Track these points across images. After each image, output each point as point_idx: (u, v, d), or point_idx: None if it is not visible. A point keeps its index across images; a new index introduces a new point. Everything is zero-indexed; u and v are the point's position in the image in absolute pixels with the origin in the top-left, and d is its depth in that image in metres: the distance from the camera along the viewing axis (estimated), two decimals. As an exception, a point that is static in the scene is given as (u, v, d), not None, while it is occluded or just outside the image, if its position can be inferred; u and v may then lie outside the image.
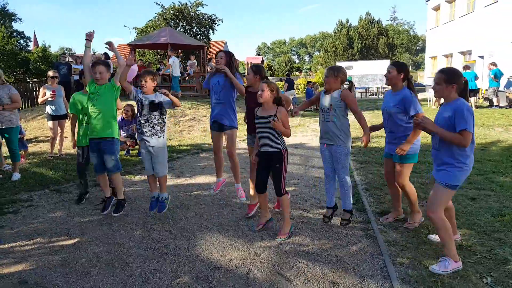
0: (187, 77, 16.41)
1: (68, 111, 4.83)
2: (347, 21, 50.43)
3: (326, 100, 3.86)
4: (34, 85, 16.66)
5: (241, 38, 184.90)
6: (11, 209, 4.67)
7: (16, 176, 5.94)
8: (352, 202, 4.00)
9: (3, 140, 5.99)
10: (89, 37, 4.28)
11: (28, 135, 9.87)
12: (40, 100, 7.64)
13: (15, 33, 31.82)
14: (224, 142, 4.64)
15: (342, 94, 3.75)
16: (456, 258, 3.02)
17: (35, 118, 11.37)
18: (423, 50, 52.31)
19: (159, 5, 26.80)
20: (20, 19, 36.93)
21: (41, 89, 7.59)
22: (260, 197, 3.94)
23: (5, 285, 2.96)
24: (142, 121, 4.18)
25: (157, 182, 4.41)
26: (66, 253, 3.49)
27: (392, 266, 3.10)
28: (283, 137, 3.73)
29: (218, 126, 4.49)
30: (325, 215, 4.09)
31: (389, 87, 3.97)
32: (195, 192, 5.32)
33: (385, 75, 3.79)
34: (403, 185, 3.78)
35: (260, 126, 3.73)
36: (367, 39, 46.60)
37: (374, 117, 13.19)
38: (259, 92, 3.67)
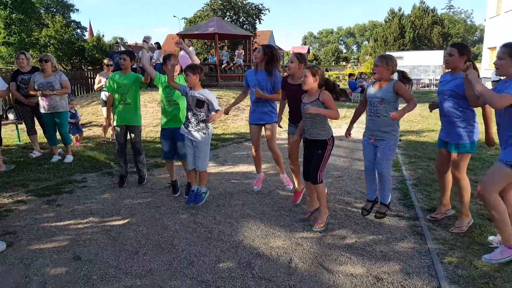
0: (232, 67, 16.55)
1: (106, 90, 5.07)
2: (400, 9, 48.29)
3: (375, 93, 3.60)
4: (89, 73, 17.62)
5: (288, 27, 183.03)
6: (67, 189, 4.99)
7: (69, 158, 6.30)
8: (390, 196, 3.81)
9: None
10: (146, 39, 4.85)
11: (82, 120, 10.45)
12: (96, 86, 8.06)
13: (72, 23, 33.59)
14: (263, 135, 4.62)
15: (394, 86, 3.48)
16: (511, 243, 2.88)
17: (90, 104, 12.00)
18: (480, 40, 48.95)
19: (207, -5, 27.16)
20: (77, 10, 38.95)
21: (97, 76, 7.99)
22: (308, 185, 3.94)
23: (61, 259, 3.17)
24: (189, 116, 4.20)
25: (197, 176, 4.38)
26: (116, 233, 3.68)
27: (440, 265, 2.96)
28: (327, 124, 3.63)
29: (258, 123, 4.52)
30: (364, 207, 3.95)
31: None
32: (238, 180, 5.38)
33: (444, 58, 3.50)
34: (459, 178, 3.49)
35: (305, 113, 3.66)
36: (420, 29, 44.32)
37: (425, 110, 12.55)
38: (302, 79, 3.59)
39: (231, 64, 16.53)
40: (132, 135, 5.05)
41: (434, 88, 23.71)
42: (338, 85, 3.78)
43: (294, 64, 4.09)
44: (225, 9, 27.09)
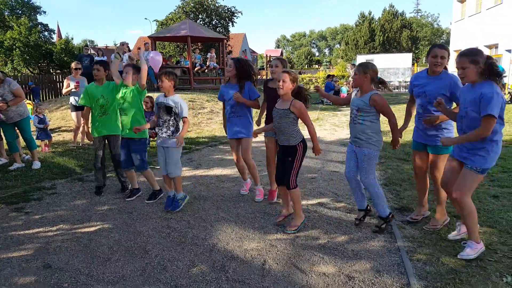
0: (206, 70, 16.51)
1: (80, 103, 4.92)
2: (370, 13, 49.53)
3: (354, 101, 3.63)
4: (57, 76, 17.10)
5: (261, 30, 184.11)
6: (36, 196, 4.83)
7: (36, 164, 6.09)
8: (386, 209, 3.68)
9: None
10: (120, 51, 4.82)
11: (51, 125, 10.14)
12: (64, 91, 7.84)
13: (39, 26, 32.54)
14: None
15: (371, 99, 3.42)
16: (478, 240, 3.09)
17: (59, 109, 11.67)
18: (447, 43, 50.93)
19: (179, -3, 26.96)
20: (44, 12, 37.84)
21: (65, 80, 7.78)
22: (280, 190, 3.96)
23: (30, 268, 3.08)
24: (160, 122, 4.21)
25: (172, 181, 4.39)
26: (87, 240, 3.60)
27: (409, 262, 3.07)
28: (296, 131, 3.66)
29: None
30: (356, 217, 3.90)
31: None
32: (212, 184, 5.38)
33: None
34: (438, 178, 3.52)
35: (277, 118, 3.70)
36: (389, 32, 45.63)
37: (396, 111, 12.84)
38: (280, 83, 3.56)
39: (204, 67, 16.48)
40: (112, 146, 4.88)
41: (404, 90, 24.47)
42: (309, 95, 3.83)
43: (279, 68, 4.14)
44: (198, 12, 26.98)
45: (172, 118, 4.18)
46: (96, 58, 13.59)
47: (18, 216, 4.19)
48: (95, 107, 4.80)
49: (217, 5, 27.37)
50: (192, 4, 26.73)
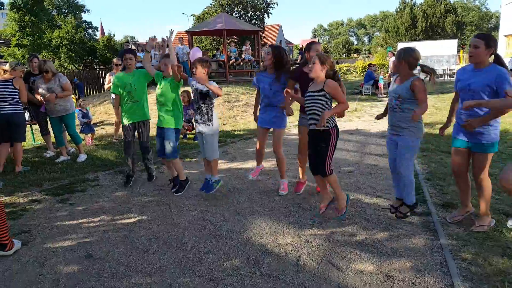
0: (241, 62, 16.53)
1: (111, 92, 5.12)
2: (411, -1, 47.31)
3: (394, 89, 3.53)
4: (100, 72, 17.81)
5: (297, 20, 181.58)
6: (80, 187, 5.06)
7: (82, 157, 6.37)
8: (414, 198, 3.67)
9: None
10: (148, 47, 4.83)
11: (95, 119, 10.57)
12: (106, 86, 8.14)
13: (83, 24, 33.95)
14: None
15: (411, 83, 3.33)
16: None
17: (102, 103, 12.14)
18: (496, 28, 47.73)
19: (215, -9, 27.09)
20: (88, 10, 39.31)
21: (107, 75, 8.07)
22: (318, 180, 3.91)
23: (73, 258, 3.23)
24: (196, 108, 4.39)
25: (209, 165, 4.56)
26: (127, 231, 3.72)
27: (453, 262, 2.92)
28: (338, 108, 3.55)
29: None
30: (392, 205, 3.85)
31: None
32: (247, 177, 5.36)
33: (469, 51, 3.23)
34: (482, 178, 3.33)
35: (308, 101, 3.63)
36: (432, 18, 43.37)
37: (439, 101, 12.37)
38: (310, 65, 3.55)
39: (240, 60, 16.50)
40: (141, 133, 5.09)
41: (448, 78, 23.27)
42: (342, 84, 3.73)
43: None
44: (233, 5, 26.97)
45: (206, 104, 4.30)
46: (137, 54, 13.99)
47: (63, 207, 4.40)
48: (124, 94, 4.97)
49: (252, -3, 27.26)
50: (228, -3, 26.79)
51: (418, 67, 3.51)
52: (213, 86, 4.20)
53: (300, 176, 4.62)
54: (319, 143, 3.62)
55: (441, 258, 2.99)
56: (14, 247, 3.31)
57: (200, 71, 4.22)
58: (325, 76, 3.56)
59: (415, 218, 3.75)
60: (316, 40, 60.72)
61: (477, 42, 3.16)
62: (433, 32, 43.41)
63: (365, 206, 4.14)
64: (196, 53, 12.95)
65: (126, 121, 5.01)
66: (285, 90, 3.90)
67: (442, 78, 24.20)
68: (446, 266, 2.88)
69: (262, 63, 16.16)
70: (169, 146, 4.64)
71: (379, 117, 3.97)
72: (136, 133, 5.15)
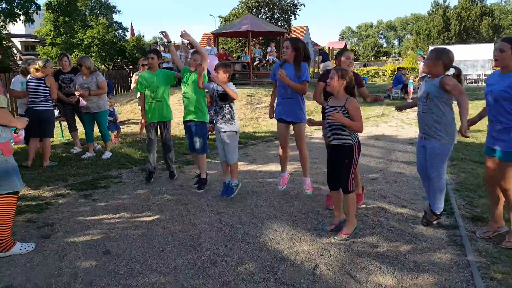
0: (266, 64, 16.49)
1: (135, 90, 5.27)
2: (444, 1, 45.91)
3: (423, 88, 3.39)
4: (129, 72, 18.20)
5: (324, 22, 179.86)
6: (103, 184, 5.15)
7: (107, 154, 6.51)
8: (442, 205, 3.53)
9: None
10: (167, 38, 5.06)
11: (121, 117, 10.80)
12: (132, 85, 8.31)
13: (114, 24, 34.90)
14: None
15: (442, 81, 3.19)
16: None
17: (129, 102, 12.39)
18: (537, 32, 45.56)
19: (242, -8, 27.18)
20: (119, 11, 40.46)
21: (133, 75, 8.23)
22: (333, 195, 3.71)
23: (92, 253, 3.27)
24: (216, 109, 4.39)
25: (229, 168, 4.55)
26: (145, 229, 3.74)
27: (481, 280, 2.74)
28: (354, 126, 3.40)
29: (285, 120, 4.42)
30: (425, 210, 3.72)
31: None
32: (266, 180, 5.32)
33: (494, 55, 3.12)
34: (505, 189, 3.14)
35: (329, 116, 3.50)
36: (467, 21, 41.86)
37: (472, 108, 11.71)
38: (328, 80, 3.43)
39: (264, 61, 16.47)
40: (163, 131, 5.17)
41: (483, 84, 22.37)
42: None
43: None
44: (260, 6, 26.94)
45: (227, 105, 4.33)
46: (164, 55, 14.22)
47: (86, 202, 4.49)
48: (147, 93, 5.07)
49: (279, -2, 27.14)
50: (254, -1, 26.79)
51: (452, 69, 3.35)
52: (229, 88, 4.17)
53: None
54: (340, 159, 3.47)
55: (467, 276, 2.83)
56: (11, 250, 3.21)
57: (222, 75, 4.25)
58: (344, 90, 3.42)
59: (441, 231, 3.58)
60: (343, 42, 59.70)
61: (503, 46, 3.04)
62: (467, 36, 41.90)
63: (388, 216, 3.99)
64: (213, 62, 13.07)
65: (149, 120, 5.11)
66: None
67: (476, 84, 23.32)
68: (473, 284, 2.71)
69: (268, 58, 16.11)
70: (198, 140, 4.75)
71: (400, 108, 3.87)
72: (158, 132, 5.21)
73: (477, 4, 43.24)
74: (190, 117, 4.77)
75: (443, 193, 3.45)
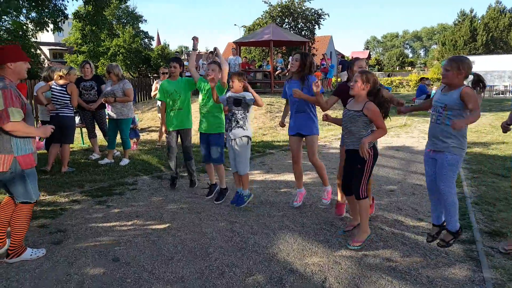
0: (287, 73, 16.50)
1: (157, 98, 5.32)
2: (471, 11, 44.94)
3: (440, 98, 3.23)
4: (152, 80, 18.57)
5: (349, 32, 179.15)
6: (118, 190, 5.22)
7: (125, 161, 6.60)
8: (457, 223, 3.29)
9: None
10: (195, 46, 5.01)
11: (142, 124, 11.01)
12: (152, 94, 8.45)
13: (140, 33, 35.80)
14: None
15: (462, 92, 3.03)
16: None
17: (150, 110, 12.62)
18: None
19: (266, 3, 27.44)
20: (145, 20, 41.51)
21: (154, 83, 8.37)
22: (349, 200, 3.70)
23: (101, 260, 3.29)
24: (229, 117, 4.37)
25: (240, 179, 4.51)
26: (156, 237, 3.75)
27: (497, 299, 2.60)
28: (378, 134, 3.37)
29: (298, 133, 4.42)
30: (429, 233, 3.48)
31: None
32: (281, 190, 5.26)
33: None
34: None
35: (346, 120, 3.47)
36: (495, 31, 40.79)
37: (497, 119, 11.52)
38: (351, 83, 3.41)
39: (286, 70, 16.49)
40: (184, 140, 5.18)
41: (510, 95, 21.63)
42: (387, 101, 3.45)
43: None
44: (284, 16, 27.10)
45: (241, 110, 4.31)
46: (186, 64, 14.45)
47: (100, 209, 4.55)
48: (168, 101, 5.10)
49: (303, 8, 27.21)
50: (278, 9, 26.97)
51: (471, 76, 3.21)
52: (257, 95, 4.20)
53: (339, 198, 4.30)
54: (354, 164, 3.44)
55: (483, 294, 2.70)
56: (22, 255, 3.23)
57: (237, 84, 4.25)
58: (368, 94, 3.37)
59: (458, 245, 3.43)
60: (367, 52, 59.20)
61: None
62: (494, 46, 40.85)
63: (404, 228, 3.87)
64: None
65: (170, 128, 5.15)
66: (324, 114, 3.82)
67: (503, 95, 22.58)
68: (489, 303, 2.58)
69: (288, 70, 16.06)
70: (216, 151, 4.73)
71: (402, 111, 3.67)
72: (179, 140, 5.25)
73: (505, 15, 42.13)
74: (207, 128, 4.74)
75: (456, 210, 3.23)
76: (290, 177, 5.87)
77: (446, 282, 2.86)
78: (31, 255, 3.28)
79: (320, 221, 4.12)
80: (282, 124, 4.78)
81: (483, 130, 9.93)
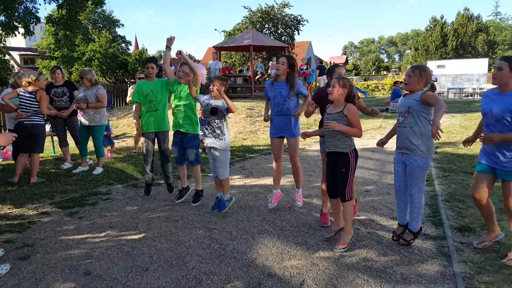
0: (267, 78, 16.57)
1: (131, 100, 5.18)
2: (442, 17, 46.54)
3: (404, 103, 3.38)
4: (130, 85, 18.30)
5: (327, 37, 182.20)
6: (91, 201, 5.04)
7: (98, 170, 6.38)
8: (420, 223, 3.45)
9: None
10: (169, 43, 4.72)
11: (117, 131, 10.79)
12: (128, 99, 8.27)
13: (117, 38, 35.18)
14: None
15: (423, 95, 3.19)
16: None
17: (126, 116, 12.39)
18: (532, 46, 45.95)
19: (246, 8, 27.55)
20: (122, 25, 40.87)
21: (129, 89, 8.19)
22: (332, 203, 3.74)
23: (72, 274, 3.13)
24: (206, 124, 4.33)
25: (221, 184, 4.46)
26: (130, 248, 3.63)
27: (466, 291, 2.66)
28: (350, 138, 3.45)
29: (280, 136, 4.44)
30: (395, 231, 3.59)
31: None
32: (261, 194, 5.23)
33: (493, 74, 3.11)
34: (510, 207, 3.08)
35: (327, 124, 3.49)
36: (463, 37, 42.39)
37: (466, 120, 11.89)
38: (329, 89, 3.46)
39: (266, 75, 16.55)
40: (162, 142, 5.05)
41: (478, 97, 22.43)
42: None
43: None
44: (264, 21, 27.23)
45: (218, 120, 4.25)
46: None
47: (71, 220, 4.37)
48: (144, 102, 4.96)
49: (283, 14, 27.45)
50: (259, 15, 27.10)
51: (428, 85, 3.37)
52: (229, 101, 4.16)
53: (323, 207, 4.20)
54: (337, 167, 3.48)
55: (452, 287, 2.77)
56: None
57: (218, 88, 4.19)
58: (345, 100, 3.45)
59: (430, 242, 3.53)
60: (345, 57, 60.14)
61: (501, 64, 3.02)
62: (463, 51, 42.43)
63: (379, 227, 3.92)
64: (202, 70, 13.17)
65: (145, 129, 5.00)
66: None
67: (472, 97, 23.39)
68: (459, 296, 2.63)
69: (270, 71, 16.19)
70: (192, 152, 4.65)
71: (382, 142, 3.72)
72: (156, 143, 5.12)
73: (473, 21, 43.86)
74: (183, 130, 4.66)
75: (421, 211, 3.40)
76: (270, 181, 5.84)
77: (420, 278, 2.91)
78: None
79: (298, 223, 4.11)
80: (266, 119, 4.69)
81: (453, 130, 10.23)
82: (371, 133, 10.32)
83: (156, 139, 5.08)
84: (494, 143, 3.04)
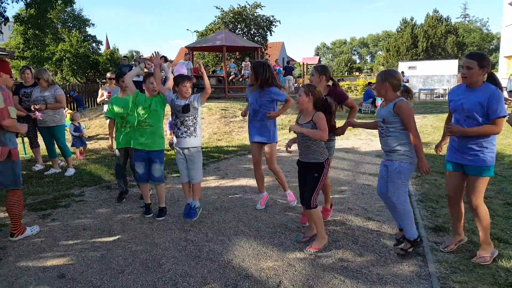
0: (241, 78, 16.58)
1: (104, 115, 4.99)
2: (412, 19, 47.95)
3: (380, 113, 3.34)
4: (101, 85, 17.87)
5: (300, 38, 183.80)
6: (64, 203, 4.92)
7: (70, 171, 6.24)
8: (415, 231, 3.33)
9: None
10: (155, 61, 4.30)
11: (90, 132, 10.53)
12: (98, 100, 8.07)
13: (88, 37, 34.30)
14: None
15: (395, 106, 3.13)
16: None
17: (98, 117, 12.10)
18: (497, 49, 48.02)
19: (218, 8, 27.47)
20: (93, 24, 39.85)
21: (100, 89, 8.00)
22: (306, 210, 3.67)
23: (45, 277, 3.08)
24: (178, 124, 4.16)
25: (191, 189, 4.34)
26: (105, 250, 3.57)
27: (441, 291, 2.75)
28: (323, 147, 3.44)
29: (258, 140, 4.49)
30: (396, 237, 3.55)
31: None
32: (236, 195, 5.24)
33: (462, 73, 3.06)
34: (476, 205, 3.10)
35: (300, 134, 3.48)
36: (433, 38, 43.81)
37: (438, 121, 12.30)
38: (297, 97, 3.45)
39: (239, 76, 16.55)
40: (132, 157, 4.84)
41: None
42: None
43: (315, 77, 3.97)
44: (236, 22, 27.25)
45: (191, 116, 4.11)
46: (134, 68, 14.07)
47: (44, 223, 4.26)
48: (117, 118, 4.86)
49: (255, 14, 27.54)
50: (231, 15, 27.08)
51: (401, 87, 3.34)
52: (206, 78, 4.08)
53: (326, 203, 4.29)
54: (310, 174, 3.45)
55: (428, 286, 2.84)
56: None
57: (188, 87, 4.11)
58: (315, 106, 3.41)
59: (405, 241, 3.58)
60: (317, 58, 60.82)
61: (470, 63, 2.99)
62: (434, 52, 43.78)
63: (354, 228, 3.99)
64: (180, 69, 13.06)
65: (118, 145, 4.88)
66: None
67: (443, 98, 24.20)
68: (433, 295, 2.72)
69: (243, 72, 16.31)
70: (159, 169, 4.37)
71: (354, 125, 3.74)
72: (128, 157, 5.03)
73: (442, 23, 45.33)
74: (151, 147, 4.31)
75: (410, 217, 3.27)
76: (245, 181, 5.89)
77: (395, 278, 2.97)
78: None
79: (275, 224, 4.14)
80: (243, 114, 4.66)
81: (425, 131, 10.55)
82: (345, 134, 10.51)
83: (128, 154, 4.98)
84: (454, 135, 3.09)
